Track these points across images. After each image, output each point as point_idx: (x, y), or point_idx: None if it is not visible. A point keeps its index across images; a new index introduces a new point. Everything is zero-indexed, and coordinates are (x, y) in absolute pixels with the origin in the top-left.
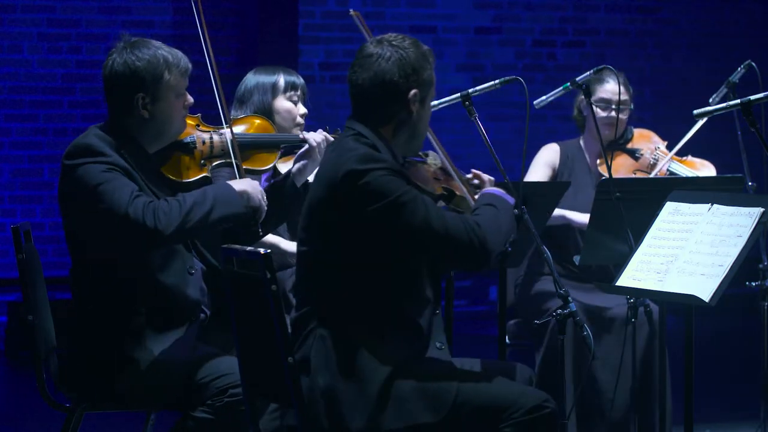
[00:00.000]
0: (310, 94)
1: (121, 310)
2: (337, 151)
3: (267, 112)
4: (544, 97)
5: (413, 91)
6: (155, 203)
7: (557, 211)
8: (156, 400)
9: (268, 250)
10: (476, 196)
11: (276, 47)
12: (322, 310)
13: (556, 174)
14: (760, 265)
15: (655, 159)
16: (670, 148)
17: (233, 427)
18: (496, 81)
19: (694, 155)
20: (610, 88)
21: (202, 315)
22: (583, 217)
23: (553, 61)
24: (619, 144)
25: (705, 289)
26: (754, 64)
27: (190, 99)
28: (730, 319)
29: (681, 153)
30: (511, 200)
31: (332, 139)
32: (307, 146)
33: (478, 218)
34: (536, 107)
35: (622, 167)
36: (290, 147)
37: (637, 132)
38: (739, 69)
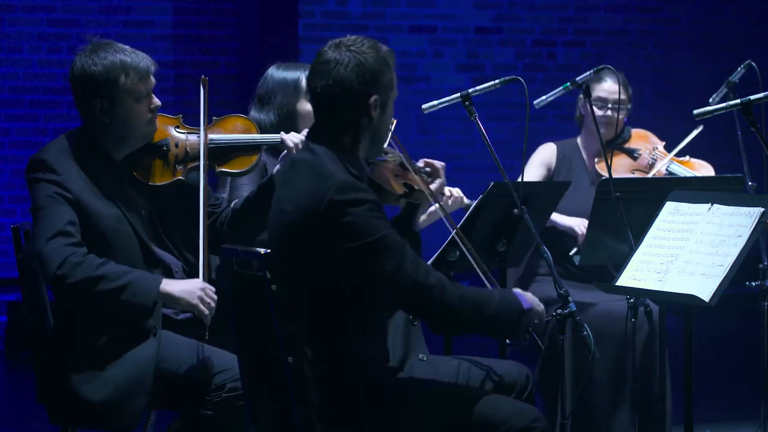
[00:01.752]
0: None
1: (83, 324)
2: (313, 173)
3: (290, 115)
4: (544, 97)
5: (373, 97)
6: (72, 250)
7: None
8: (121, 417)
9: (268, 250)
10: (433, 185)
11: (276, 47)
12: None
13: (552, 173)
14: (760, 265)
15: (653, 159)
16: (668, 148)
17: (232, 423)
18: (496, 81)
19: (693, 155)
20: (608, 87)
21: (190, 314)
22: (568, 221)
23: (553, 61)
24: (616, 143)
25: (705, 289)
26: (754, 64)
27: (157, 101)
28: (730, 319)
29: (680, 154)
30: (526, 304)
31: None
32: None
33: (464, 288)
34: (536, 107)
35: (620, 167)
36: (271, 147)
37: (635, 132)
38: (739, 69)
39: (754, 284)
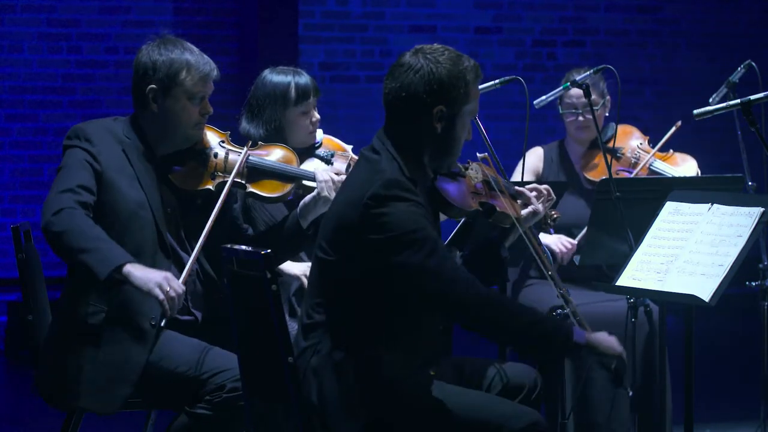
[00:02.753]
0: None
1: (84, 305)
2: (367, 169)
3: (278, 128)
4: (544, 97)
5: (438, 107)
6: (75, 205)
7: None
8: (105, 399)
9: (268, 250)
10: (523, 212)
11: (276, 47)
12: (326, 322)
13: (540, 179)
14: (760, 265)
15: (636, 158)
16: (653, 143)
17: (232, 423)
18: (496, 81)
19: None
20: (574, 92)
21: (191, 317)
22: (548, 239)
23: (553, 61)
24: (601, 143)
25: (705, 289)
26: (754, 64)
27: (210, 108)
28: (730, 319)
29: (662, 149)
30: (578, 336)
31: (342, 178)
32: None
33: (497, 293)
34: (536, 107)
35: (602, 166)
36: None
37: (619, 129)
38: (739, 69)
39: (754, 284)
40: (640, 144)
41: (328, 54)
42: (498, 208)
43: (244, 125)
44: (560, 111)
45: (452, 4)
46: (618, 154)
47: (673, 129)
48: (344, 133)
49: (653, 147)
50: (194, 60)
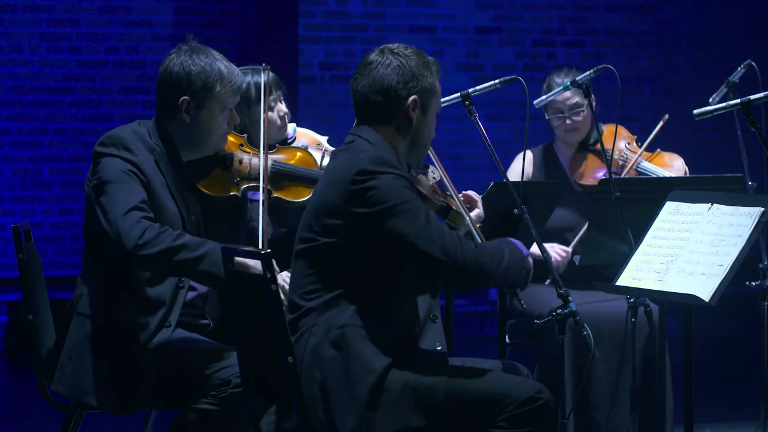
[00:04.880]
0: (309, 94)
1: (112, 308)
2: (348, 153)
3: (243, 129)
4: (544, 97)
5: (412, 97)
6: (149, 224)
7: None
8: (123, 401)
9: (268, 250)
10: (474, 217)
11: (276, 47)
12: (316, 310)
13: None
14: (760, 265)
15: (623, 159)
16: (642, 141)
17: (236, 418)
18: (496, 81)
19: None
20: (559, 96)
21: (204, 321)
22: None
23: (553, 60)
24: (589, 145)
25: (705, 289)
26: (754, 64)
27: (237, 119)
28: (730, 319)
29: (649, 147)
30: (525, 251)
31: None
32: None
33: (481, 243)
34: (536, 107)
35: (591, 169)
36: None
37: (606, 129)
38: (739, 69)
39: (754, 284)
40: (628, 144)
41: (328, 54)
42: (453, 208)
43: None
44: (546, 118)
45: (452, 4)
46: (606, 157)
47: (661, 123)
48: (344, 133)
49: (641, 146)
50: (227, 71)
